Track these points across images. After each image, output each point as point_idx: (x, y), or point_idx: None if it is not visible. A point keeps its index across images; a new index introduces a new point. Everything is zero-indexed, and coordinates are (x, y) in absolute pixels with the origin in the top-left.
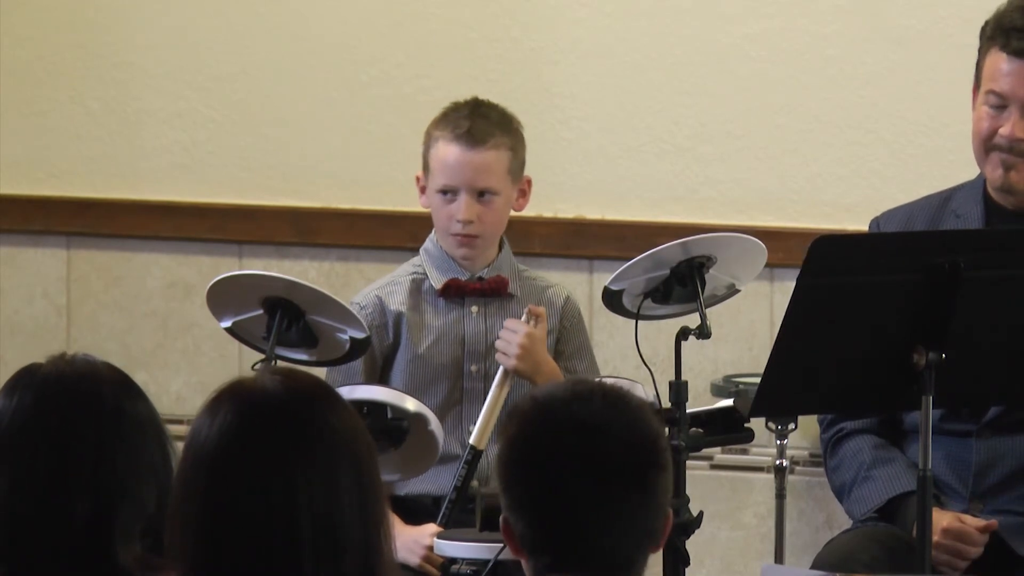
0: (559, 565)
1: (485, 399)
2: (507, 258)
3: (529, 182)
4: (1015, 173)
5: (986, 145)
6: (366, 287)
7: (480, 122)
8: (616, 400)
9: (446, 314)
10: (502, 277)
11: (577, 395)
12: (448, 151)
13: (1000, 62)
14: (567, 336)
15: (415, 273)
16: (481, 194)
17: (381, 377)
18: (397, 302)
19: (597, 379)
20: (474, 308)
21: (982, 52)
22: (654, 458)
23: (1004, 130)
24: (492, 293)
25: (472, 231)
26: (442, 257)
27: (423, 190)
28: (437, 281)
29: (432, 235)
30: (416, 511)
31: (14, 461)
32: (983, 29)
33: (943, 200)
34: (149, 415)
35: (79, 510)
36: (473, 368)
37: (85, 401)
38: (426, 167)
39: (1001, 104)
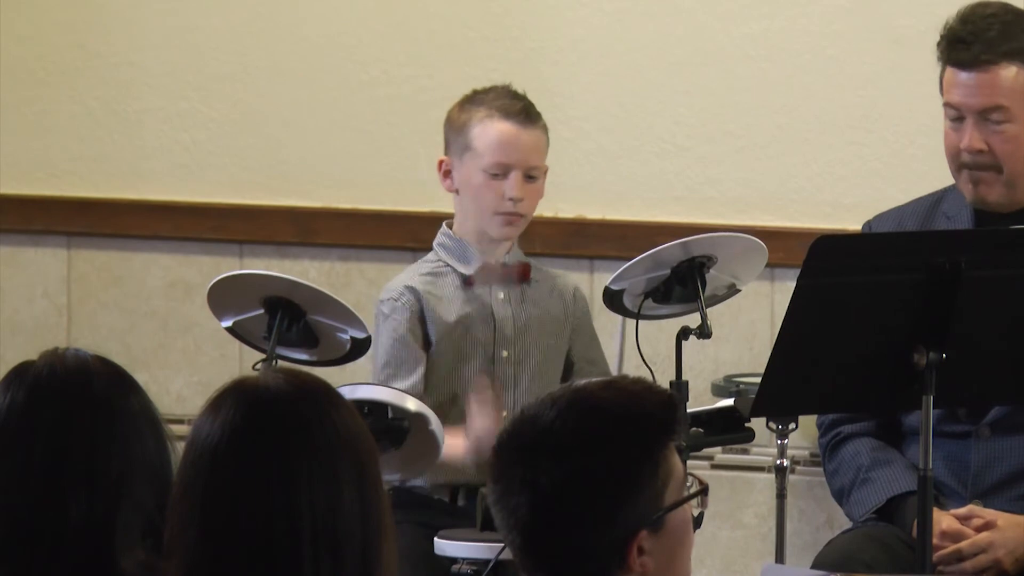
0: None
1: (514, 383)
2: (517, 248)
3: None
4: (984, 187)
5: (956, 163)
6: (394, 280)
7: (528, 102)
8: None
9: (473, 302)
10: (525, 263)
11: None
12: (502, 129)
13: (951, 75)
14: (581, 327)
15: (435, 268)
16: (529, 175)
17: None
18: (433, 293)
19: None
20: (501, 295)
21: (941, 68)
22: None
23: (963, 144)
24: (518, 279)
25: (520, 210)
26: (462, 248)
27: (447, 174)
28: (466, 269)
29: (444, 230)
30: (430, 504)
31: (9, 459)
32: (937, 44)
33: (934, 202)
34: (143, 408)
35: (75, 507)
36: (504, 353)
37: (76, 397)
38: (463, 149)
39: (959, 117)
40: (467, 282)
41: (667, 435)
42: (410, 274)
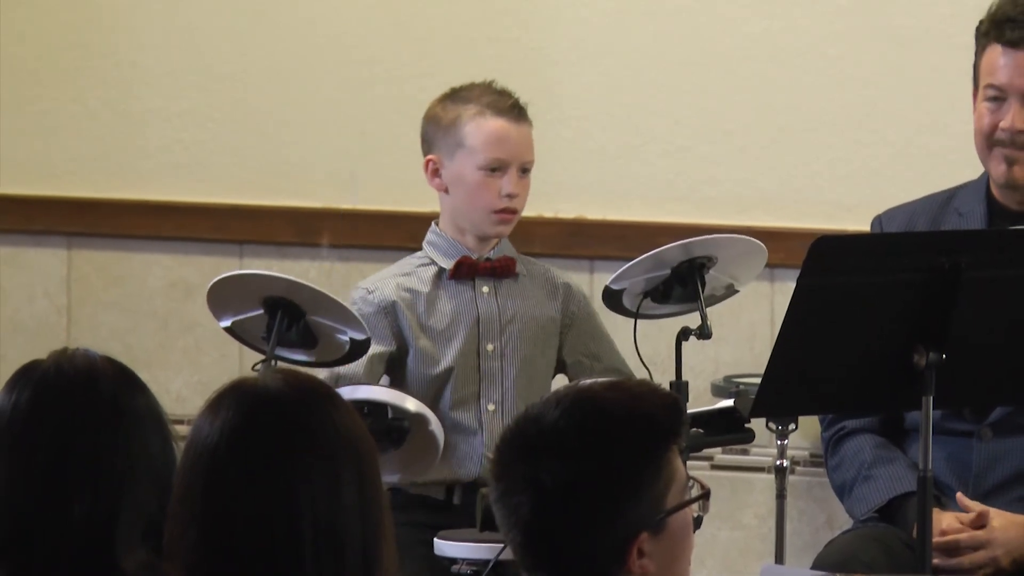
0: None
1: (501, 377)
2: (506, 242)
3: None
4: (1019, 167)
5: (988, 141)
6: (374, 275)
7: (516, 97)
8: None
9: (458, 296)
10: (509, 257)
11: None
12: (496, 125)
13: (996, 55)
14: (577, 323)
15: (422, 264)
16: (523, 169)
17: (402, 361)
18: (409, 288)
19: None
20: (485, 288)
21: (978, 51)
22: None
23: (1004, 123)
24: (501, 273)
25: (516, 205)
26: (449, 243)
27: (436, 173)
28: (447, 264)
29: (434, 227)
30: (426, 504)
31: (12, 457)
32: (978, 28)
33: (946, 199)
34: (149, 409)
35: (77, 506)
36: (489, 347)
37: (82, 396)
38: (455, 146)
39: (999, 97)
40: (449, 276)
41: (671, 438)
42: (394, 271)
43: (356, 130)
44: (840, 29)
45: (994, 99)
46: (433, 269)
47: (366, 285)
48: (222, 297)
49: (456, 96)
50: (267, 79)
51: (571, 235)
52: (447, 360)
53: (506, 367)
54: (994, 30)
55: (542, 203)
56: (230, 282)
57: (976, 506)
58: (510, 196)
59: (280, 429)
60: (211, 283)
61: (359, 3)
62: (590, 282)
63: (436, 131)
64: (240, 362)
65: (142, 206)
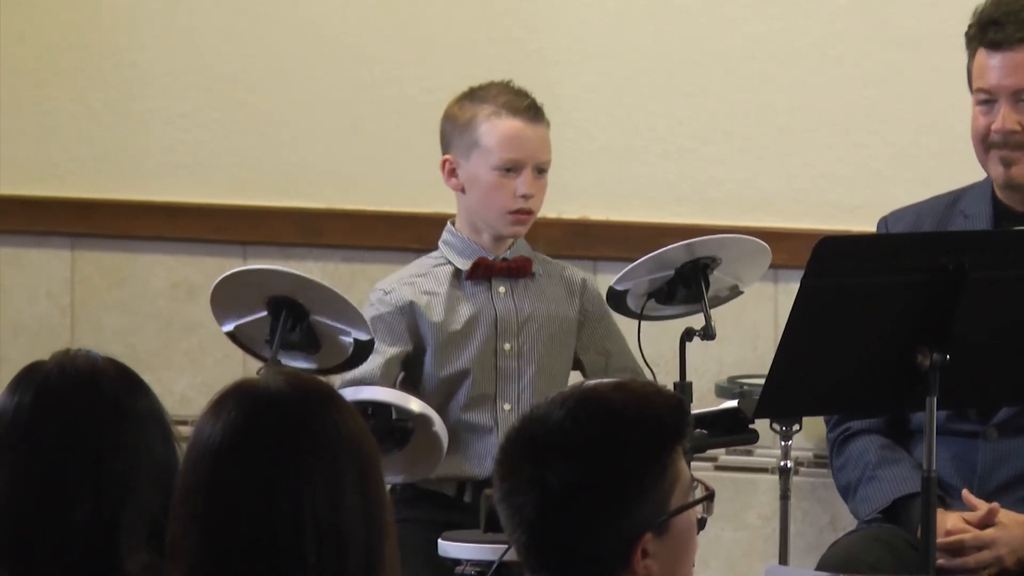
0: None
1: (518, 376)
2: (523, 241)
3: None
4: (1016, 168)
5: (984, 144)
6: (390, 276)
7: (532, 97)
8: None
9: (475, 296)
10: (526, 257)
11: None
12: (511, 125)
13: (983, 58)
14: (591, 319)
15: (438, 264)
16: (539, 169)
17: (418, 361)
18: (425, 289)
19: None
20: (501, 289)
21: (969, 56)
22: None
23: (996, 125)
24: (518, 273)
25: (531, 206)
26: (465, 244)
27: (452, 173)
28: (463, 264)
29: (450, 227)
30: (436, 499)
31: (14, 459)
32: (966, 33)
33: (952, 200)
34: (151, 410)
35: (79, 508)
36: (507, 347)
37: (84, 397)
38: (470, 147)
39: (990, 99)
40: (466, 277)
41: (676, 439)
42: (410, 272)
43: (360, 131)
44: (841, 30)
45: (985, 102)
46: (449, 269)
47: (382, 287)
48: (226, 298)
49: (474, 96)
50: (268, 79)
51: (574, 236)
52: (464, 361)
53: (523, 366)
54: (979, 33)
55: (546, 204)
56: (235, 279)
57: (983, 504)
58: (525, 197)
59: (282, 430)
60: (216, 281)
61: (359, 3)
62: (594, 283)
63: (453, 131)
64: (244, 363)
65: (145, 207)
